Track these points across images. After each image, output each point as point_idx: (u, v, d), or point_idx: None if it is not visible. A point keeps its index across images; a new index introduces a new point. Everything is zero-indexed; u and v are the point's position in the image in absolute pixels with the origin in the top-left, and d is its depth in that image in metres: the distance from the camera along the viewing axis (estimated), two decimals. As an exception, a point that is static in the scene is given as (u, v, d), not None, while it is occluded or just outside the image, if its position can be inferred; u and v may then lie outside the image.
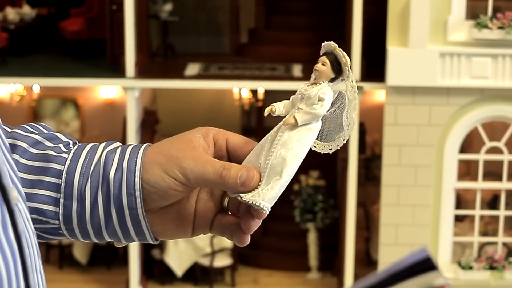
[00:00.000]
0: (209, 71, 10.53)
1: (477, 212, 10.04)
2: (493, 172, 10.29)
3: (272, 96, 11.79)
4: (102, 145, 1.22)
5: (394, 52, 9.46)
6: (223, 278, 11.18)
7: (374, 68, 9.64)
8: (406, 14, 9.39)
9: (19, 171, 1.18)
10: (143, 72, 10.22)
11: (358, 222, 10.49)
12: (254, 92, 11.99)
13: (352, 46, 9.66)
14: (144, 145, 1.20)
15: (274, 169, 1.15)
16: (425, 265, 0.75)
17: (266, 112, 1.20)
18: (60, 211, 1.18)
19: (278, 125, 1.19)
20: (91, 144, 1.23)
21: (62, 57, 11.57)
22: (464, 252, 10.26)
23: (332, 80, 1.18)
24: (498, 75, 9.49)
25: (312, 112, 1.17)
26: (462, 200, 10.37)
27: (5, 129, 1.23)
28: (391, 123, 9.70)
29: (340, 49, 1.17)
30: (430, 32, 9.39)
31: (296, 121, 1.17)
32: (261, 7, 11.91)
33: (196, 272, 11.01)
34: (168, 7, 11.43)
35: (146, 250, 10.99)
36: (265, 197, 1.14)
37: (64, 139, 1.24)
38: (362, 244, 11.17)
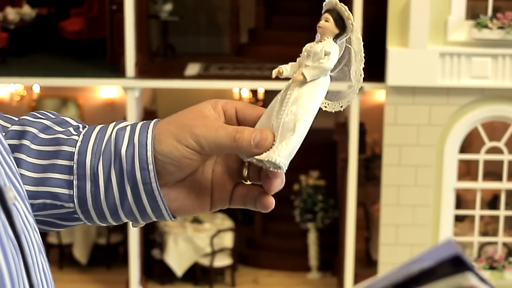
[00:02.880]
0: (209, 71, 10.53)
1: (477, 212, 10.04)
2: (493, 172, 10.29)
3: (272, 96, 11.78)
4: (112, 124, 1.22)
5: (394, 52, 9.46)
6: (223, 278, 11.18)
7: (374, 68, 9.64)
8: (406, 14, 9.39)
9: (30, 157, 1.18)
10: (143, 72, 10.22)
11: (358, 222, 10.50)
12: (254, 92, 12.00)
13: (352, 46, 9.66)
14: (154, 120, 1.20)
15: (286, 126, 1.14)
16: (455, 264, 0.70)
17: (274, 73, 1.19)
18: (74, 193, 1.17)
19: (287, 84, 1.18)
20: (101, 125, 1.22)
21: (62, 57, 11.58)
22: (464, 252, 10.25)
23: (336, 37, 1.18)
24: (498, 75, 9.49)
25: (319, 66, 1.15)
26: (462, 200, 10.37)
27: (12, 118, 1.23)
28: (391, 123, 9.70)
29: (341, 4, 1.16)
30: (430, 32, 9.39)
31: (304, 77, 1.16)
32: (261, 7, 11.92)
33: (196, 272, 11.01)
34: (168, 7, 11.43)
35: (146, 250, 11.00)
36: (281, 153, 1.13)
37: (74, 123, 1.23)
38: (362, 244, 11.18)
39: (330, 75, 1.18)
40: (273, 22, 11.91)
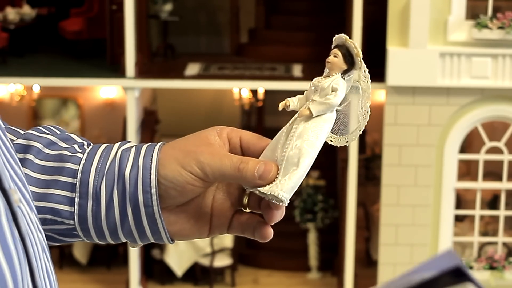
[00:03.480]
0: (209, 71, 10.53)
1: (477, 212, 10.04)
2: (493, 172, 10.29)
3: (272, 96, 11.80)
4: (117, 144, 1.23)
5: (394, 52, 9.46)
6: (223, 278, 11.18)
7: (374, 68, 9.63)
8: (406, 14, 9.39)
9: (33, 172, 1.19)
10: (143, 72, 10.22)
11: (358, 222, 10.49)
12: (254, 92, 12.00)
13: (352, 46, 9.66)
14: (159, 143, 1.21)
15: (290, 161, 1.16)
16: (455, 275, 0.70)
17: (281, 106, 1.20)
18: (75, 210, 1.18)
19: (293, 118, 1.19)
20: (106, 144, 1.23)
21: (62, 57, 11.58)
22: (464, 252, 10.27)
23: (345, 72, 1.19)
24: (498, 75, 9.49)
25: (326, 102, 1.17)
26: (462, 200, 10.37)
27: (17, 131, 1.24)
28: (391, 123, 9.70)
29: (351, 40, 1.18)
30: (430, 32, 9.39)
31: (310, 112, 1.17)
32: (261, 7, 11.91)
33: (196, 272, 11.01)
34: (168, 7, 11.43)
35: (146, 250, 10.99)
36: (283, 188, 1.15)
37: (79, 140, 1.24)
38: (362, 244, 11.17)
39: (337, 109, 1.20)
40: (273, 22, 11.91)
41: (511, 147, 9.92)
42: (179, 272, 10.93)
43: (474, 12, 9.56)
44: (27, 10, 12.05)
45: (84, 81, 10.67)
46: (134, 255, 10.51)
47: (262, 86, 10.84)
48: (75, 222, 1.19)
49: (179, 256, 10.89)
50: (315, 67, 10.81)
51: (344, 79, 1.19)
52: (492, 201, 10.51)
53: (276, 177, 1.16)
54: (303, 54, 10.73)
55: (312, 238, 11.11)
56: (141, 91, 10.40)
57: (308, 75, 10.11)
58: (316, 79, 1.19)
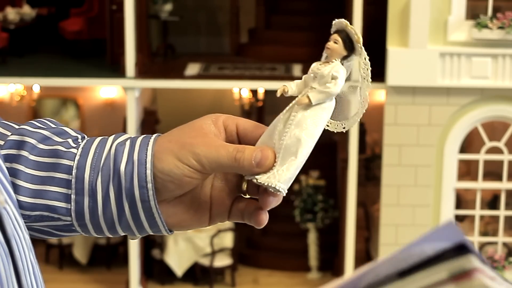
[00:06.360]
0: (209, 71, 10.53)
1: (477, 212, 10.04)
2: (493, 172, 10.29)
3: (272, 96, 11.80)
4: (111, 138, 1.21)
5: (394, 52, 9.46)
6: (223, 278, 11.18)
7: (374, 68, 9.61)
8: (406, 14, 9.39)
9: (28, 168, 1.17)
10: (143, 72, 10.22)
11: (358, 222, 10.50)
12: (254, 92, 11.99)
13: (352, 46, 9.66)
14: (154, 135, 1.20)
15: (288, 150, 1.14)
16: (458, 248, 0.68)
17: (279, 92, 1.18)
18: (72, 207, 1.17)
19: (291, 104, 1.17)
20: (100, 138, 1.21)
21: (62, 57, 11.58)
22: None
23: (344, 58, 1.17)
24: (498, 75, 9.49)
25: (326, 91, 1.15)
26: (462, 200, 10.37)
27: (12, 126, 1.22)
28: (391, 123, 9.70)
29: (351, 26, 1.15)
30: (430, 32, 9.39)
31: (310, 100, 1.15)
32: (261, 7, 11.91)
33: (196, 272, 11.01)
34: (168, 7, 11.43)
35: (146, 250, 10.99)
36: (281, 179, 1.13)
37: (73, 133, 1.22)
38: (362, 244, 11.18)
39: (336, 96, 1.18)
40: (273, 22, 11.90)
41: (511, 147, 9.92)
42: (179, 272, 10.93)
43: (474, 12, 9.57)
44: (27, 10, 12.05)
45: (84, 81, 10.68)
46: (134, 255, 10.51)
47: (262, 86, 10.84)
48: (72, 219, 1.18)
49: (179, 256, 10.89)
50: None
51: (343, 65, 1.17)
52: (492, 201, 10.51)
53: (274, 166, 1.14)
54: (303, 54, 10.72)
55: (312, 238, 11.10)
56: (141, 91, 10.40)
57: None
58: (315, 64, 1.17)
